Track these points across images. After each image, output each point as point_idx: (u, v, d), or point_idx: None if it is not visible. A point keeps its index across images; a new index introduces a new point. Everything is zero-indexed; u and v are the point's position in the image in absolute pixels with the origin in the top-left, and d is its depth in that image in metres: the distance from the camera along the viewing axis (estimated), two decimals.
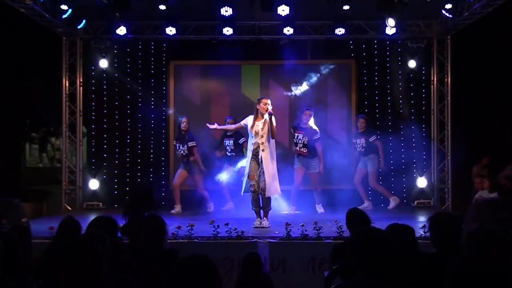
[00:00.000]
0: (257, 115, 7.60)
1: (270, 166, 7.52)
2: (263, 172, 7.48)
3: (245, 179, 7.65)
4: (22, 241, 3.92)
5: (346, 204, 9.48)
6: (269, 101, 7.60)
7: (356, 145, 9.70)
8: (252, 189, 7.51)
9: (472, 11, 8.97)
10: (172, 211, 9.16)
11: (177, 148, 9.37)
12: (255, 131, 7.55)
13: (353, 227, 4.49)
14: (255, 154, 7.55)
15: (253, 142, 7.57)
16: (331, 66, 10.46)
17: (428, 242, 3.63)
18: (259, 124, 7.54)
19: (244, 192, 7.71)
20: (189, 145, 9.19)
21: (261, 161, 7.50)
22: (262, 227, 7.42)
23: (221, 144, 9.66)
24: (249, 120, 7.67)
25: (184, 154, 9.24)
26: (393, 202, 9.63)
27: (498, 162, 9.84)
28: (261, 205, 7.62)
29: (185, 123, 9.24)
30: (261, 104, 7.55)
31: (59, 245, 4.16)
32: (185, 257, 2.52)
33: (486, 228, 2.91)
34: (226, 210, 9.41)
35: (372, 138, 9.52)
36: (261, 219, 7.59)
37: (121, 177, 10.54)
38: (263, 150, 7.51)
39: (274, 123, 7.49)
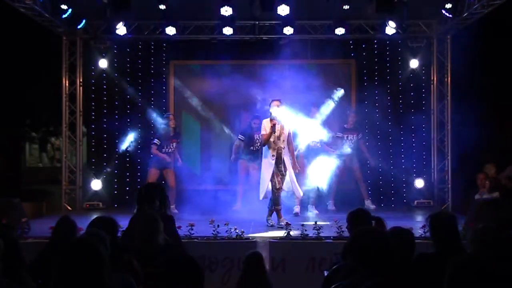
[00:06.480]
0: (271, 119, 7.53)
1: (291, 168, 7.57)
2: (287, 174, 7.52)
3: (265, 184, 7.53)
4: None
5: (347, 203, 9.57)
6: (279, 103, 7.52)
7: (347, 141, 9.55)
8: (278, 187, 7.46)
9: (472, 11, 8.97)
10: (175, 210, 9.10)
11: (164, 147, 9.18)
12: (276, 135, 7.48)
13: (352, 228, 4.40)
14: (278, 157, 7.51)
15: (275, 147, 7.49)
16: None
17: (428, 242, 3.62)
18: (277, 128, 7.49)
19: (263, 198, 7.65)
20: (178, 141, 9.29)
21: (284, 164, 7.51)
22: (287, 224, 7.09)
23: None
24: (266, 126, 7.52)
25: (171, 151, 9.19)
26: (370, 205, 9.49)
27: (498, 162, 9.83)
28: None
29: (173, 120, 9.29)
30: (274, 107, 7.48)
31: (55, 245, 4.17)
32: (169, 258, 2.40)
33: (492, 227, 2.92)
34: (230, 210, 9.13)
35: (360, 135, 9.58)
36: (282, 217, 7.51)
37: (121, 177, 10.53)
38: (284, 154, 7.53)
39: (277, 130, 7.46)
